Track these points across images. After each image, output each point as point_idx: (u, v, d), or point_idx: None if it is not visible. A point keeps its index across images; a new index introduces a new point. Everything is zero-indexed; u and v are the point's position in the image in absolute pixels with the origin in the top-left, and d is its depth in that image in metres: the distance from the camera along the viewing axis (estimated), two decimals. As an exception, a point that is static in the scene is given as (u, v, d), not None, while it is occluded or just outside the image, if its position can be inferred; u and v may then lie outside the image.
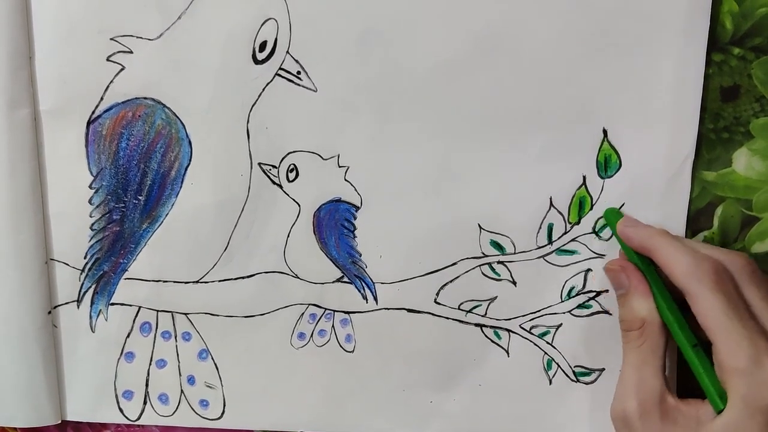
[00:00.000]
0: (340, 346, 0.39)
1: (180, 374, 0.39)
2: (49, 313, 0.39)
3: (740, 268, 0.33)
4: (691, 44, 0.35)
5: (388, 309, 0.38)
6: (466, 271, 0.38)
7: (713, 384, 0.31)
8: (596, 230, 0.37)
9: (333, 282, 0.38)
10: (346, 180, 0.37)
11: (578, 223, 0.37)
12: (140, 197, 0.38)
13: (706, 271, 0.32)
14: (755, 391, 0.30)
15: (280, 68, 0.36)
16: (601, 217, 0.37)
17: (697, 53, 0.35)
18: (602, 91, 0.36)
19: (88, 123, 0.37)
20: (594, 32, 0.35)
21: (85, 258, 0.38)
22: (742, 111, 0.37)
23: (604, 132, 0.36)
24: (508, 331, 0.38)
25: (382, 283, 0.38)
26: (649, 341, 0.33)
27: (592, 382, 0.38)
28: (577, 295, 0.38)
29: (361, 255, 0.38)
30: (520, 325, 0.38)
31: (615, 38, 0.35)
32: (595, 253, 0.37)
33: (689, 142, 0.36)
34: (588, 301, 0.38)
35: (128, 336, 0.39)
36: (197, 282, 0.38)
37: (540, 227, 0.37)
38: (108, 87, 0.36)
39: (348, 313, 0.39)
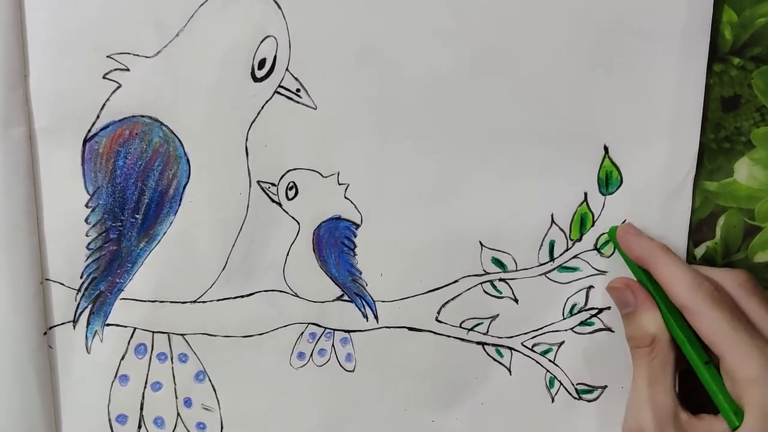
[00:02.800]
0: (341, 366, 0.38)
1: (176, 397, 0.39)
2: (45, 333, 0.38)
3: (741, 284, 0.33)
4: (692, 57, 0.35)
5: (389, 327, 0.38)
6: (468, 289, 0.37)
7: (728, 401, 0.31)
8: (598, 247, 0.37)
9: (333, 300, 0.38)
10: (345, 197, 0.37)
11: (580, 239, 0.37)
12: (137, 216, 0.37)
13: (707, 288, 0.32)
14: None
15: (280, 86, 0.36)
16: (604, 233, 0.37)
17: (698, 66, 0.35)
18: (603, 106, 0.36)
19: (84, 141, 0.36)
20: (593, 47, 0.35)
21: (81, 278, 0.38)
22: (743, 121, 0.37)
23: (605, 149, 0.36)
24: (510, 349, 0.38)
25: (382, 301, 0.38)
26: (660, 357, 0.33)
27: (594, 400, 0.38)
28: (579, 312, 0.38)
29: (361, 273, 0.37)
30: (522, 343, 0.38)
31: (614, 53, 0.35)
32: (597, 270, 0.37)
33: (690, 157, 0.36)
34: (590, 318, 0.38)
35: (122, 358, 0.38)
36: (195, 302, 0.38)
37: (541, 244, 0.37)
38: (104, 105, 0.36)
39: (348, 331, 0.38)
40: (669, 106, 0.36)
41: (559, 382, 0.38)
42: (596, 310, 0.37)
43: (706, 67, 0.35)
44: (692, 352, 0.33)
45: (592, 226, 0.37)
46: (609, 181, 0.36)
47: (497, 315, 0.38)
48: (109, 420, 0.39)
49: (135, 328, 0.38)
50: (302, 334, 0.38)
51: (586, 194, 0.36)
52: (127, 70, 0.36)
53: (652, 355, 0.33)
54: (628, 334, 0.35)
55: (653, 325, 0.34)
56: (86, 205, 0.37)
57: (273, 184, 0.37)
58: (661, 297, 0.34)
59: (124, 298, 0.38)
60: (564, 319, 0.38)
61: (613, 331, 0.37)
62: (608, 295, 0.37)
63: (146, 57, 0.36)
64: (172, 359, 0.38)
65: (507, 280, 0.37)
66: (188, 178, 0.37)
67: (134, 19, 0.35)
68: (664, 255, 0.34)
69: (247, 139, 0.36)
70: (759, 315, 0.32)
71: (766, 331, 0.32)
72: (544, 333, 0.38)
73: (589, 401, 0.38)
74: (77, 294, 0.38)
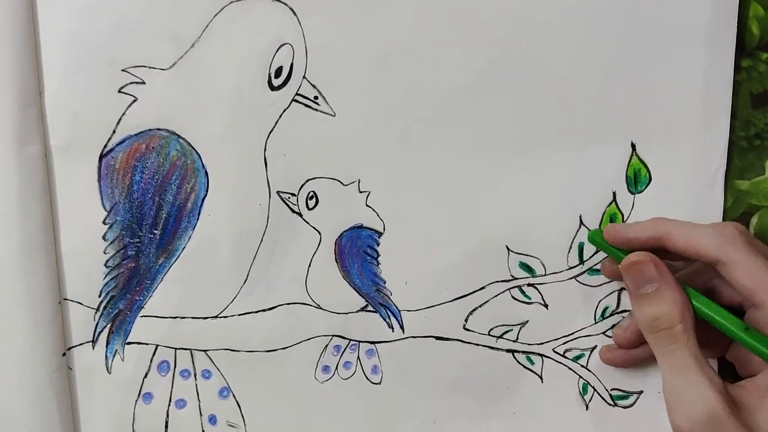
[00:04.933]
0: (367, 378, 0.37)
1: (201, 414, 0.38)
2: (64, 354, 0.37)
3: (742, 233, 0.32)
4: (718, 53, 0.34)
5: (416, 337, 0.37)
6: (496, 296, 0.36)
7: None
8: (629, 248, 0.36)
9: (357, 311, 0.37)
10: (367, 205, 0.36)
11: (610, 240, 0.36)
12: (156, 231, 0.36)
13: (733, 234, 0.31)
14: None
15: (297, 93, 0.35)
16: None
17: (725, 61, 0.34)
18: (629, 104, 0.35)
19: (101, 157, 0.36)
20: (617, 45, 0.34)
21: (99, 296, 0.37)
22: (773, 118, 0.36)
23: (633, 146, 0.35)
24: (541, 355, 0.37)
25: (408, 310, 0.37)
26: (693, 338, 0.31)
27: (630, 406, 0.37)
28: (611, 315, 0.37)
29: (385, 282, 0.37)
30: (553, 349, 0.37)
31: (639, 51, 0.34)
32: (628, 271, 0.36)
33: (720, 153, 0.35)
34: (622, 321, 0.36)
35: (146, 376, 0.38)
36: (216, 317, 0.37)
37: (570, 247, 0.36)
38: (120, 119, 0.36)
39: (374, 343, 0.37)
40: (697, 103, 0.35)
41: (593, 388, 0.37)
42: (629, 313, 0.36)
43: (734, 62, 0.34)
44: (729, 323, 0.31)
45: (622, 226, 0.36)
46: (638, 179, 0.35)
47: (527, 321, 0.37)
48: (134, 440, 0.38)
49: (157, 345, 0.37)
50: (326, 346, 0.37)
51: (614, 194, 0.36)
52: (143, 83, 0.35)
53: (685, 337, 0.30)
54: (654, 314, 0.31)
55: (680, 301, 0.31)
56: (103, 222, 0.36)
57: (293, 194, 0.36)
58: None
59: (144, 316, 0.37)
60: (596, 323, 0.37)
61: (646, 334, 0.36)
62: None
63: (162, 69, 0.35)
64: (195, 376, 0.38)
65: (536, 285, 0.36)
66: (206, 190, 0.36)
67: (149, 32, 0.35)
68: (673, 222, 0.32)
69: (265, 149, 0.36)
70: None
71: None
72: (575, 338, 0.37)
73: (624, 407, 0.37)
74: (96, 313, 0.37)
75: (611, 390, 0.37)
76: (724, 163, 0.35)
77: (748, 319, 0.31)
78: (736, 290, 0.31)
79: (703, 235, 0.31)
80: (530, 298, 0.37)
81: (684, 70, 0.34)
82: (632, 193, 0.36)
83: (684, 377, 0.30)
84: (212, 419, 0.38)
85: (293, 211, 0.36)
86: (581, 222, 0.36)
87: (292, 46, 0.35)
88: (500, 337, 0.37)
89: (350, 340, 0.37)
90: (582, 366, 0.37)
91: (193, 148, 0.36)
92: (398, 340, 0.37)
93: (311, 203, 0.36)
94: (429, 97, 0.35)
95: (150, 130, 0.36)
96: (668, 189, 0.35)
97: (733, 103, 0.35)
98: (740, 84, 0.35)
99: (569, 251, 0.36)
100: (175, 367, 0.38)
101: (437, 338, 0.37)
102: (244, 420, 0.38)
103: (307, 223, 0.36)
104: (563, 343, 0.37)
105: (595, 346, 0.37)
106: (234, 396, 0.38)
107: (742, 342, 0.31)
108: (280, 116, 0.35)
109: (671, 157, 0.35)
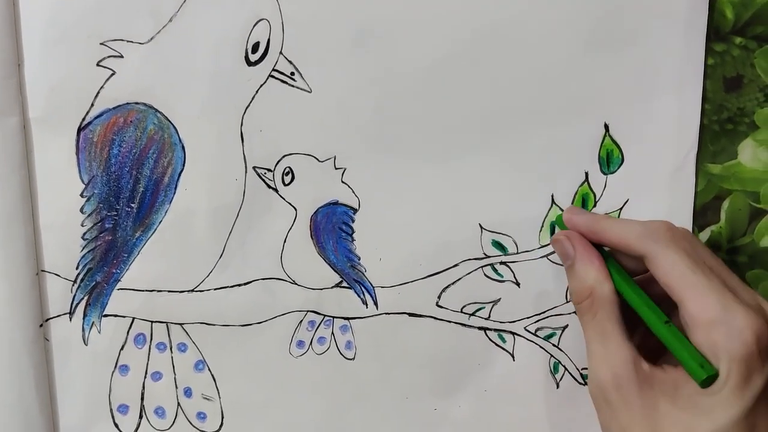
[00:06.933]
0: (341, 354, 0.38)
1: (176, 387, 0.38)
2: (41, 326, 0.38)
3: (684, 232, 0.32)
4: (692, 35, 0.34)
5: (389, 314, 0.37)
6: (468, 273, 0.37)
7: (692, 354, 0.29)
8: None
9: (332, 287, 0.37)
10: (343, 182, 0.36)
11: (581, 220, 0.36)
12: (133, 205, 0.37)
13: (659, 229, 0.31)
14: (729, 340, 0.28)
15: (274, 69, 0.35)
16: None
17: (698, 44, 0.34)
18: (602, 85, 0.35)
19: (79, 130, 0.36)
20: (593, 26, 0.35)
21: (77, 269, 0.37)
22: (746, 101, 0.36)
23: (606, 127, 0.35)
24: (513, 333, 0.37)
25: (382, 287, 0.37)
26: (603, 310, 0.31)
27: (600, 385, 0.37)
28: (582, 295, 0.37)
29: (359, 259, 0.37)
30: (525, 328, 0.37)
31: (614, 32, 0.35)
32: (599, 251, 0.36)
33: (692, 134, 0.35)
34: (594, 301, 0.37)
35: (122, 348, 0.38)
36: (192, 291, 0.37)
37: (542, 225, 0.36)
38: (98, 93, 0.36)
39: (348, 319, 0.37)
40: (669, 85, 0.35)
41: (564, 367, 0.37)
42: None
43: (705, 45, 0.35)
44: (650, 313, 0.31)
45: (594, 206, 0.36)
46: (610, 159, 0.36)
47: (499, 299, 0.37)
48: (111, 410, 0.38)
49: (134, 318, 0.38)
50: (301, 322, 0.38)
51: (587, 174, 0.36)
52: (121, 56, 0.35)
53: (594, 308, 0.32)
54: (570, 288, 0.33)
55: (590, 276, 0.32)
56: (81, 195, 0.37)
57: (269, 170, 0.36)
58: (613, 265, 0.33)
59: (121, 288, 0.37)
60: (567, 302, 0.37)
61: (617, 314, 0.37)
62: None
63: (140, 43, 0.35)
64: (171, 349, 0.38)
65: (508, 264, 0.37)
66: (183, 165, 0.36)
67: (128, 6, 0.35)
68: (610, 218, 0.33)
69: (242, 125, 0.36)
70: (708, 257, 0.31)
71: (717, 272, 0.30)
72: (547, 317, 0.37)
73: (594, 386, 0.37)
74: (73, 285, 0.37)
75: (582, 369, 0.38)
76: (696, 145, 0.35)
77: (675, 317, 0.31)
78: (662, 286, 0.31)
79: (631, 230, 0.32)
80: (502, 276, 0.37)
81: (658, 51, 0.35)
82: (604, 174, 0.36)
83: (589, 353, 0.32)
84: (187, 392, 0.38)
85: (269, 187, 0.36)
86: (553, 201, 0.36)
87: (269, 22, 0.35)
88: (473, 314, 0.37)
89: (325, 315, 0.38)
90: (553, 345, 0.37)
91: (170, 122, 0.36)
92: (372, 316, 0.37)
93: (287, 179, 0.36)
94: (405, 74, 0.35)
95: (128, 103, 0.36)
96: (640, 170, 0.36)
97: (705, 86, 0.35)
98: (713, 68, 0.35)
99: (541, 230, 0.36)
100: (151, 339, 0.38)
101: (410, 315, 0.37)
102: (219, 393, 0.38)
103: (283, 198, 0.37)
104: (535, 322, 0.37)
105: (567, 325, 0.37)
106: (209, 369, 0.38)
107: (659, 334, 0.31)
108: (257, 92, 0.35)
109: (644, 138, 0.35)
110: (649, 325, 0.32)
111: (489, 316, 0.37)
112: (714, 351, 0.29)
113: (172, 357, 0.38)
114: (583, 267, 0.32)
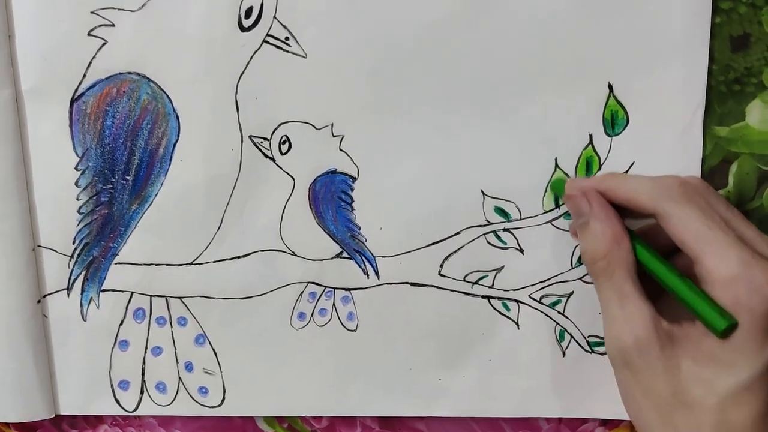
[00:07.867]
0: (342, 325, 0.37)
1: (177, 361, 0.38)
2: (38, 302, 0.37)
3: (697, 185, 0.31)
4: (697, -9, 0.33)
5: (391, 284, 0.37)
6: (471, 241, 0.36)
7: (712, 306, 0.28)
8: (605, 191, 0.35)
9: (332, 258, 0.37)
10: (341, 150, 0.36)
11: (586, 184, 0.35)
12: (128, 177, 0.36)
13: (671, 186, 0.30)
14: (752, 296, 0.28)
15: (268, 34, 0.34)
16: None
17: (703, 1, 0.33)
18: (605, 45, 0.34)
19: (72, 101, 0.35)
20: (594, -17, 0.34)
21: (73, 243, 0.37)
22: (753, 61, 0.35)
23: (610, 87, 0.34)
24: (517, 302, 0.37)
25: (383, 256, 0.36)
26: (620, 270, 0.30)
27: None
28: (587, 261, 0.36)
29: (360, 228, 0.36)
30: (529, 295, 0.37)
31: (617, -11, 0.34)
32: (604, 215, 0.36)
33: (699, 93, 0.34)
34: (599, 267, 0.36)
35: (121, 323, 0.38)
36: (191, 264, 0.37)
37: (546, 190, 0.36)
38: (90, 63, 0.35)
39: (349, 290, 0.37)
40: (675, 44, 0.34)
41: (570, 335, 0.37)
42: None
43: (712, 3, 0.34)
44: (663, 269, 0.30)
45: (599, 169, 0.35)
46: (615, 121, 0.35)
47: (502, 267, 0.36)
48: (112, 386, 0.38)
49: (132, 293, 0.37)
50: (302, 293, 0.37)
51: (591, 136, 0.35)
52: (113, 25, 0.35)
53: (611, 270, 0.30)
54: (582, 248, 0.32)
55: (608, 233, 0.31)
56: (76, 168, 0.36)
57: (265, 139, 0.36)
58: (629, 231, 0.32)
59: (118, 263, 0.37)
60: (572, 268, 0.36)
61: (624, 281, 0.36)
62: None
63: (131, 11, 0.35)
64: (171, 323, 0.38)
65: (511, 230, 0.36)
66: (178, 135, 0.36)
67: (117, -27, 0.34)
68: (617, 175, 0.33)
69: (236, 93, 0.35)
70: (724, 211, 0.30)
71: (734, 227, 0.30)
72: (552, 284, 0.36)
73: (602, 354, 0.37)
74: (70, 261, 0.37)
75: (588, 337, 0.37)
76: (703, 105, 0.34)
77: (691, 274, 0.30)
78: (676, 244, 0.30)
79: (641, 187, 0.31)
80: (506, 244, 0.36)
81: (662, 9, 0.34)
82: (609, 136, 0.35)
83: (607, 315, 0.31)
84: (188, 366, 0.38)
85: (266, 156, 0.36)
86: (557, 165, 0.35)
87: (262, -14, 0.34)
88: (476, 283, 0.37)
89: (325, 287, 0.37)
90: (559, 312, 0.37)
91: (163, 91, 0.35)
92: (373, 286, 0.37)
93: (284, 148, 0.36)
94: (403, 38, 0.34)
95: (120, 74, 0.35)
96: (646, 131, 0.35)
97: (712, 46, 0.34)
98: (720, 26, 0.34)
99: (545, 195, 0.36)
100: (150, 314, 0.38)
101: (412, 284, 0.37)
102: (220, 367, 0.38)
103: (280, 168, 0.36)
104: (539, 289, 0.37)
105: (572, 292, 0.36)
106: (210, 343, 0.38)
107: (677, 290, 0.30)
108: (251, 58, 0.35)
109: (649, 98, 0.34)
110: (662, 280, 0.31)
111: (492, 285, 0.37)
112: (735, 307, 0.28)
113: (172, 331, 0.38)
114: (599, 225, 0.31)
